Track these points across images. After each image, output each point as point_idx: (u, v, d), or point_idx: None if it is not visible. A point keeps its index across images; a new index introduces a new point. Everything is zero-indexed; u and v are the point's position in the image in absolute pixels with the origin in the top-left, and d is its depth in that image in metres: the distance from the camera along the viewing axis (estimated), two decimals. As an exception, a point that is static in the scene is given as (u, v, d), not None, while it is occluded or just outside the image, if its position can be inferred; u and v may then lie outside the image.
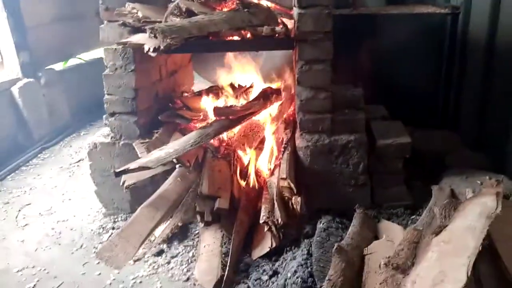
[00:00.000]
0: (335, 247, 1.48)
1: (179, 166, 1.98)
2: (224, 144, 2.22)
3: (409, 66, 3.15)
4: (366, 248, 1.57)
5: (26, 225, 2.26)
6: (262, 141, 2.29)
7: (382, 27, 3.24)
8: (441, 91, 3.11)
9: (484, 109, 2.50)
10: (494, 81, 2.38)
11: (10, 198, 2.56)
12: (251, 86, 2.61)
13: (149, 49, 1.56)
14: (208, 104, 2.36)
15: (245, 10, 2.01)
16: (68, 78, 3.91)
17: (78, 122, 3.80)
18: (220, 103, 2.37)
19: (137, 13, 1.79)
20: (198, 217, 1.86)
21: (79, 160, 3.06)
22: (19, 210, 2.41)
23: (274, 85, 2.59)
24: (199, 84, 3.41)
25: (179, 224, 1.93)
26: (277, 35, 1.97)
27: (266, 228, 1.80)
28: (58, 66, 4.02)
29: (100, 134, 2.25)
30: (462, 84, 2.85)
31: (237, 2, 1.99)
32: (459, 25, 2.87)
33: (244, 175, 2.12)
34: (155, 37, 1.39)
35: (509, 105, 2.10)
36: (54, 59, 3.87)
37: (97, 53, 4.64)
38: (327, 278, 1.35)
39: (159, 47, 1.52)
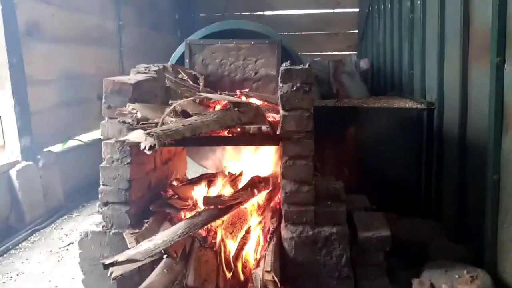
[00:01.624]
0: None
1: (166, 257, 2.03)
2: (212, 233, 2.29)
3: (391, 156, 3.34)
4: None
5: (9, 315, 2.24)
6: (248, 230, 2.37)
7: (365, 118, 3.49)
8: (422, 181, 3.26)
9: (462, 200, 2.63)
10: (467, 175, 2.54)
11: (-3, 284, 2.56)
12: (240, 174, 2.75)
13: (145, 147, 1.70)
14: (198, 193, 2.47)
15: (236, 109, 2.21)
16: (65, 159, 4.05)
17: (71, 204, 3.87)
18: (210, 192, 2.47)
19: (136, 113, 1.97)
20: (183, 311, 1.87)
21: (69, 244, 3.08)
22: (4, 298, 2.40)
23: (263, 173, 2.73)
24: (193, 167, 3.57)
25: (164, 317, 1.94)
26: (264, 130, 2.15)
27: (250, 323, 1.81)
28: (57, 148, 4.18)
29: (92, 222, 2.32)
30: (442, 175, 3.01)
31: (229, 102, 2.19)
32: (435, 120, 3.11)
33: (230, 266, 2.17)
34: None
35: (482, 199, 2.22)
36: (54, 141, 4.05)
37: (96, 134, 4.86)
38: None
39: (154, 145, 1.67)
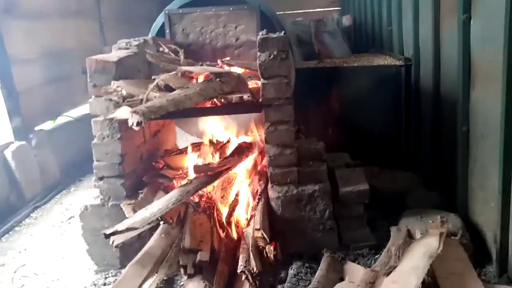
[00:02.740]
0: (302, 292, 1.69)
1: (163, 223, 2.19)
2: (204, 198, 2.44)
3: (373, 113, 3.48)
4: (330, 290, 1.78)
5: (22, 286, 2.41)
6: (238, 193, 2.53)
7: (346, 77, 3.59)
8: (402, 134, 3.41)
9: (437, 151, 2.79)
10: (441, 127, 2.68)
11: (5, 259, 2.71)
12: (227, 141, 2.87)
13: (132, 123, 1.80)
14: (188, 162, 2.60)
15: (218, 79, 2.29)
16: (57, 136, 4.13)
17: (68, 179, 3.99)
18: (199, 160, 2.60)
19: (121, 91, 2.05)
20: (182, 270, 2.05)
21: (70, 218, 3.23)
22: (15, 272, 2.56)
23: (248, 139, 2.86)
24: (183, 137, 3.67)
25: (165, 278, 2.12)
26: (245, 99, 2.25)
27: (243, 277, 2.00)
28: (47, 125, 4.24)
29: (90, 196, 2.45)
30: (420, 129, 3.16)
31: (211, 72, 2.27)
32: (412, 75, 3.21)
33: (223, 226, 2.33)
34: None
35: (454, 148, 2.38)
36: (43, 118, 4.10)
37: (84, 109, 4.91)
38: (293, 320, 1.55)
39: (141, 121, 1.77)
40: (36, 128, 3.85)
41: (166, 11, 3.19)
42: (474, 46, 2.08)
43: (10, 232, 3.09)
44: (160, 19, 3.31)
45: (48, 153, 3.85)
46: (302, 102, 3.65)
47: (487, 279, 2.01)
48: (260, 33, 2.20)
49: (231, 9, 3.16)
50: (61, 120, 4.53)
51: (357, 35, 5.47)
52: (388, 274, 1.69)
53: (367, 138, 3.51)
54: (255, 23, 3.19)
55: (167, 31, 3.21)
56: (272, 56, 2.11)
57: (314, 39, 4.54)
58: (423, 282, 1.67)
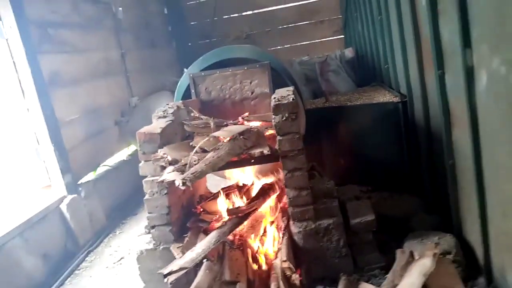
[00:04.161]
0: (324, 310, 2.12)
1: (206, 261, 2.65)
2: (237, 236, 2.91)
3: (378, 144, 3.90)
4: (347, 308, 2.20)
5: (92, 321, 2.90)
6: (265, 229, 2.99)
7: (350, 115, 4.06)
8: (406, 163, 3.82)
9: (434, 178, 3.20)
10: (435, 158, 3.10)
11: (73, 299, 3.22)
12: (252, 184, 3.35)
13: (179, 184, 2.30)
14: (221, 206, 3.08)
15: (241, 137, 2.79)
16: (99, 185, 4.67)
17: (112, 222, 4.51)
18: (230, 204, 3.08)
19: (167, 157, 2.56)
20: (226, 299, 2.50)
21: (121, 259, 3.72)
22: (83, 309, 3.05)
23: (269, 180, 3.33)
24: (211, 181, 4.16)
25: (212, 306, 2.57)
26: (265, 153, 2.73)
27: (276, 301, 2.44)
28: (90, 176, 4.80)
29: (138, 239, 2.94)
30: (419, 158, 3.57)
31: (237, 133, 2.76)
32: (408, 110, 3.65)
33: (255, 259, 2.79)
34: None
35: (445, 178, 2.79)
36: (87, 171, 4.67)
37: (118, 157, 5.50)
38: (318, 334, 1.98)
39: (189, 185, 2.27)
40: (83, 181, 4.41)
41: (191, 75, 3.73)
42: (449, 95, 2.53)
43: (72, 276, 3.59)
44: (184, 81, 3.84)
45: (95, 201, 4.39)
46: (314, 139, 4.15)
47: (480, 289, 2.40)
48: (273, 99, 2.69)
49: (246, 68, 3.67)
50: (101, 169, 5.09)
51: (360, 67, 5.94)
52: (392, 291, 2.11)
53: (375, 167, 3.94)
54: (267, 78, 3.69)
55: (193, 91, 3.73)
56: (284, 118, 2.60)
57: (320, 79, 5.03)
58: (422, 296, 2.09)
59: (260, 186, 3.20)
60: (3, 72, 3.79)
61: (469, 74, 2.08)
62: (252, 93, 3.78)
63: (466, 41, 2.04)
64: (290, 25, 8.71)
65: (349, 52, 6.07)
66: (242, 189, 3.26)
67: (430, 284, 2.11)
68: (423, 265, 2.18)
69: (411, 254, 2.58)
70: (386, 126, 3.88)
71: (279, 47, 8.84)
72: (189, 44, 8.63)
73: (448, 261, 2.35)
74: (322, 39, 8.63)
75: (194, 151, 2.48)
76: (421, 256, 2.32)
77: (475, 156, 2.21)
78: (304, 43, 8.89)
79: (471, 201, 2.43)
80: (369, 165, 3.97)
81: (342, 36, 8.24)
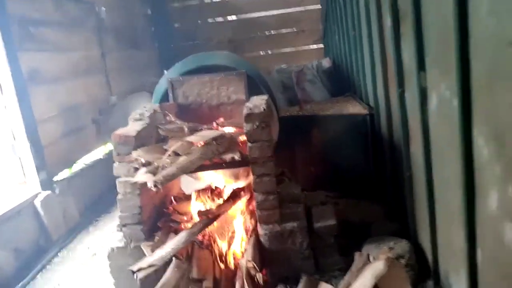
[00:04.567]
0: (283, 308, 2.27)
1: (175, 259, 2.77)
2: (206, 237, 3.04)
3: (347, 153, 4.10)
4: (305, 306, 2.36)
5: (61, 315, 2.97)
6: (234, 231, 3.13)
7: (322, 124, 4.24)
8: (372, 172, 4.03)
9: (396, 187, 3.41)
10: (396, 169, 3.31)
11: (43, 294, 3.28)
12: (224, 187, 3.48)
13: (151, 186, 2.42)
14: (192, 207, 3.21)
15: (214, 142, 2.93)
16: (74, 183, 4.72)
17: (86, 220, 4.57)
18: (202, 206, 3.21)
19: (141, 159, 2.67)
20: (192, 296, 2.63)
21: (93, 255, 3.80)
22: (53, 304, 3.12)
23: (241, 184, 3.47)
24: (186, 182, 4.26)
25: (179, 302, 2.69)
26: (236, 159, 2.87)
27: (240, 299, 2.58)
28: (65, 173, 4.84)
29: (111, 237, 3.04)
30: (384, 167, 3.78)
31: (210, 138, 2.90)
32: (375, 122, 3.86)
33: (223, 259, 2.93)
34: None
35: (402, 186, 3.00)
36: (62, 167, 4.71)
37: (94, 155, 5.54)
38: (275, 329, 2.13)
39: (160, 187, 2.39)
40: (58, 178, 4.46)
41: (169, 79, 3.85)
42: (408, 112, 2.73)
43: (43, 270, 3.65)
44: (162, 84, 3.96)
45: (69, 198, 4.45)
46: (288, 145, 4.32)
47: (427, 291, 2.60)
48: (245, 108, 2.84)
49: (223, 75, 3.82)
50: (76, 167, 5.13)
51: (336, 77, 6.16)
52: (345, 291, 2.28)
53: (344, 174, 4.13)
54: (243, 85, 3.84)
55: (170, 94, 3.85)
56: (255, 126, 2.75)
57: (296, 88, 5.21)
58: (373, 296, 2.27)
59: (232, 189, 3.34)
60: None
61: (423, 95, 2.28)
62: (228, 99, 3.92)
63: (421, 64, 2.24)
64: (273, 32, 8.91)
65: (326, 62, 6.28)
66: (213, 192, 3.40)
67: (381, 286, 2.29)
68: (376, 267, 2.36)
69: (368, 257, 2.76)
70: (354, 136, 4.07)
71: (261, 53, 9.03)
72: (172, 45, 8.70)
73: (399, 265, 2.53)
74: (304, 46, 8.86)
75: (167, 154, 2.60)
76: (376, 259, 2.50)
77: (426, 170, 2.41)
78: (285, 50, 9.11)
79: (423, 210, 2.63)
80: (338, 173, 4.16)
81: (322, 45, 8.48)
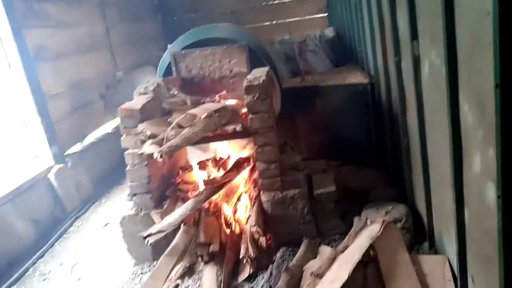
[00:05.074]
0: (284, 267, 2.44)
1: (183, 225, 2.94)
2: (212, 204, 3.19)
3: (349, 122, 4.17)
4: (305, 266, 2.52)
5: (79, 278, 3.19)
6: (239, 198, 3.28)
7: (324, 94, 4.31)
8: (373, 140, 4.12)
9: (395, 154, 3.51)
10: (394, 137, 3.40)
11: (62, 260, 3.49)
12: (228, 157, 3.61)
13: (157, 157, 2.55)
14: (198, 177, 3.35)
15: (216, 114, 3.03)
16: (86, 156, 4.89)
17: (99, 191, 4.76)
18: (206, 175, 3.35)
19: (146, 132, 2.80)
20: (200, 259, 2.81)
21: (106, 224, 4.00)
22: (72, 268, 3.33)
23: (245, 154, 3.60)
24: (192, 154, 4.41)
25: (187, 265, 2.88)
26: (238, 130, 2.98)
27: (244, 261, 2.75)
28: (77, 147, 5.01)
29: (123, 207, 3.21)
30: (384, 135, 3.86)
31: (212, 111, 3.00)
32: (376, 91, 3.92)
33: (229, 225, 3.09)
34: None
35: (400, 154, 3.09)
36: (73, 142, 4.87)
37: (104, 129, 5.69)
38: (276, 286, 2.30)
39: (165, 158, 2.52)
40: (70, 152, 4.63)
41: (172, 53, 3.91)
42: (404, 81, 2.79)
43: (60, 239, 3.86)
44: (166, 58, 4.03)
45: (81, 171, 4.62)
46: (290, 116, 4.41)
47: (422, 252, 2.73)
48: (246, 80, 2.92)
49: (224, 48, 3.87)
50: (87, 141, 5.29)
51: (339, 46, 6.15)
52: (343, 251, 2.43)
53: (345, 142, 4.22)
54: (245, 57, 3.89)
55: (173, 68, 3.93)
56: (255, 98, 2.84)
57: (298, 58, 5.24)
58: (369, 255, 2.42)
59: (236, 159, 3.46)
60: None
61: (416, 63, 2.34)
62: (230, 71, 3.99)
63: (414, 33, 2.28)
64: (275, 1, 8.80)
65: (330, 32, 6.25)
66: (219, 162, 3.53)
67: (377, 246, 2.43)
68: (372, 230, 2.50)
69: (366, 221, 2.90)
70: (355, 106, 4.14)
71: (265, 23, 8.95)
72: (175, 18, 8.67)
73: (395, 227, 2.67)
74: (308, 16, 8.75)
75: (171, 126, 2.72)
76: (373, 222, 2.63)
77: (420, 137, 2.50)
78: (288, 20, 8.99)
79: (419, 176, 2.74)
80: (340, 142, 4.25)
81: (326, 14, 8.37)
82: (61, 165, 4.32)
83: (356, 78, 4.27)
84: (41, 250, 3.61)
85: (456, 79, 1.75)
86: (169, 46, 4.16)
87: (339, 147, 4.30)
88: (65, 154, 4.53)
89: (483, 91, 1.49)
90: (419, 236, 2.87)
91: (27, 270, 3.38)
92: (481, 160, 1.65)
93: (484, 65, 1.41)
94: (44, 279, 3.24)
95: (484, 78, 1.43)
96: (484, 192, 1.65)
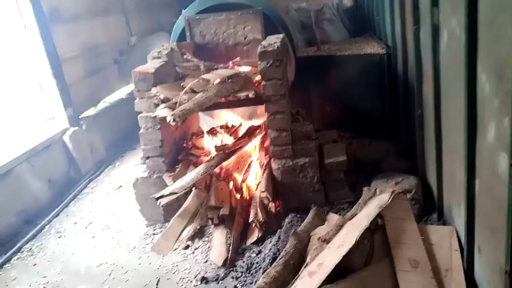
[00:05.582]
0: (292, 232, 2.48)
1: (195, 188, 2.99)
2: (224, 170, 3.23)
3: (363, 93, 4.13)
4: (312, 232, 2.57)
5: (93, 237, 3.30)
6: (249, 165, 3.31)
7: (339, 64, 4.24)
8: (387, 111, 4.07)
9: (407, 127, 3.48)
10: (409, 108, 3.36)
11: (76, 219, 3.60)
12: (240, 125, 3.63)
13: (170, 120, 2.57)
14: (210, 143, 3.38)
15: (229, 80, 3.02)
16: (100, 120, 4.96)
17: (112, 155, 4.84)
18: (218, 141, 3.38)
19: (160, 95, 2.81)
20: (210, 221, 2.88)
21: (119, 187, 4.09)
22: (86, 227, 3.45)
23: (257, 122, 3.61)
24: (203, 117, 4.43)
25: (198, 227, 2.95)
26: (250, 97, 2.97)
27: (253, 225, 2.81)
28: (91, 111, 5.07)
29: (136, 169, 3.27)
30: (398, 107, 3.82)
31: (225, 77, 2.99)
32: (392, 62, 3.84)
33: (239, 190, 3.14)
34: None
35: (413, 125, 3.07)
36: (87, 106, 4.93)
37: (118, 94, 5.73)
38: (284, 250, 2.36)
39: (178, 121, 2.54)
40: (84, 115, 4.69)
41: (186, 17, 3.87)
42: (423, 51, 2.73)
43: (75, 200, 3.97)
44: (180, 23, 3.99)
45: (96, 135, 4.70)
46: (304, 85, 4.37)
47: (430, 223, 2.75)
48: (260, 46, 2.89)
49: (239, 13, 3.81)
50: (101, 106, 5.35)
51: (357, 16, 6.00)
52: (351, 219, 2.46)
53: (359, 114, 4.20)
54: (259, 24, 3.84)
55: (188, 33, 3.90)
56: (269, 64, 2.82)
57: (314, 27, 5.14)
58: (377, 224, 2.45)
59: (247, 127, 3.48)
60: (5, 8, 3.93)
61: (435, 32, 2.28)
62: (245, 38, 3.95)
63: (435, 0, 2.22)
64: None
65: (347, 1, 6.09)
66: (231, 129, 3.55)
67: (385, 215, 2.45)
68: (381, 199, 2.51)
69: (375, 191, 2.92)
70: (371, 77, 4.07)
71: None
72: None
73: (404, 198, 2.68)
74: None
75: (184, 91, 2.72)
76: (382, 192, 2.64)
77: (435, 108, 2.46)
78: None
79: (431, 148, 2.72)
80: (354, 113, 4.22)
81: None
82: (76, 128, 4.38)
83: (373, 48, 4.19)
84: (56, 209, 3.72)
85: (475, 47, 1.71)
86: (183, 11, 4.11)
87: (352, 119, 4.28)
88: (80, 117, 4.59)
89: (502, 59, 1.46)
90: (428, 207, 2.89)
91: (43, 227, 3.50)
92: (495, 130, 1.63)
93: (505, 31, 1.37)
94: (60, 237, 3.36)
95: (505, 45, 1.40)
96: (497, 162, 1.64)
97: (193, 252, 2.89)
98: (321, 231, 2.56)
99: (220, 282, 2.59)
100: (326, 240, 2.34)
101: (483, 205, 1.93)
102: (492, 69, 1.59)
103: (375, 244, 2.35)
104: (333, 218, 2.76)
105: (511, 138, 1.40)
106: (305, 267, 2.17)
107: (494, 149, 1.66)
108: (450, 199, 2.55)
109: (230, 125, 3.61)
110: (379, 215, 2.46)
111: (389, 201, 2.48)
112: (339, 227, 2.47)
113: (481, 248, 1.99)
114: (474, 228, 2.05)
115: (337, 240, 2.28)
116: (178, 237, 2.74)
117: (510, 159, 1.42)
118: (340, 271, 2.11)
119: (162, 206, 2.87)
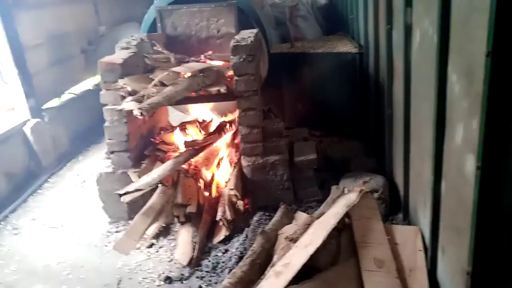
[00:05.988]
0: (260, 231, 2.44)
1: (161, 185, 2.90)
2: (192, 166, 3.15)
3: (334, 92, 4.13)
4: (280, 231, 2.53)
5: (52, 234, 3.13)
6: (219, 162, 3.24)
7: (312, 62, 4.22)
8: (357, 111, 4.09)
9: (377, 126, 3.50)
10: (378, 108, 3.38)
11: (35, 215, 3.42)
12: (211, 121, 3.55)
13: (137, 114, 2.47)
14: (179, 138, 3.29)
15: (201, 74, 2.94)
16: (64, 112, 4.74)
17: (75, 149, 4.65)
18: (187, 137, 3.29)
19: (127, 87, 2.70)
20: (176, 219, 2.79)
21: (82, 182, 3.93)
22: (45, 224, 3.28)
23: (228, 118, 3.54)
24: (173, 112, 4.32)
25: (163, 225, 2.86)
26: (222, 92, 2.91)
27: (221, 223, 2.74)
28: (55, 102, 4.85)
29: (100, 164, 3.14)
30: (369, 106, 3.84)
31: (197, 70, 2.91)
32: (364, 62, 3.86)
33: (207, 187, 3.06)
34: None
35: (382, 125, 3.08)
36: (51, 97, 4.71)
37: (84, 85, 5.51)
38: (251, 249, 2.31)
39: (145, 115, 2.44)
40: (48, 106, 4.48)
41: (157, 8, 3.75)
42: (395, 51, 2.74)
43: (34, 194, 3.78)
44: (151, 14, 3.86)
45: (59, 127, 4.49)
46: (276, 82, 4.33)
47: (396, 223, 2.77)
48: (233, 40, 2.82)
49: (213, 6, 3.72)
50: (66, 97, 5.12)
51: (331, 14, 6.01)
52: (319, 218, 2.43)
53: (330, 112, 4.19)
54: (234, 17, 3.77)
55: (159, 24, 3.78)
56: (242, 59, 2.75)
57: (288, 23, 5.11)
58: (344, 223, 2.44)
59: (218, 123, 3.40)
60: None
61: (408, 32, 2.28)
62: (218, 31, 3.86)
63: (408, 0, 2.22)
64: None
65: (322, -1, 6.10)
66: (201, 124, 3.47)
67: (352, 214, 2.44)
68: (349, 198, 2.50)
69: (343, 190, 2.91)
70: (343, 75, 4.08)
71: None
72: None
73: (371, 197, 2.68)
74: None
75: (153, 83, 2.62)
76: (350, 191, 2.64)
77: (404, 108, 2.47)
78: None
79: (399, 148, 2.74)
80: (325, 111, 4.22)
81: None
82: (38, 119, 4.18)
83: (346, 47, 4.19)
84: (13, 204, 3.53)
85: (447, 48, 1.71)
86: (155, 1, 3.98)
87: (324, 117, 4.27)
88: (43, 108, 4.38)
89: (473, 60, 1.45)
90: (394, 207, 2.91)
91: (-1, 223, 3.32)
92: (464, 131, 1.63)
93: (477, 32, 1.37)
94: (16, 233, 3.18)
95: (476, 46, 1.39)
96: (463, 164, 1.64)
97: (157, 251, 2.80)
98: (288, 230, 2.52)
99: (185, 281, 2.52)
100: (294, 240, 2.30)
101: (448, 206, 1.94)
102: (463, 70, 1.58)
103: (342, 243, 2.34)
104: (301, 216, 2.73)
105: (479, 140, 1.39)
106: (271, 266, 2.13)
107: (461, 150, 1.66)
108: (416, 199, 2.57)
109: (201, 120, 3.52)
110: (347, 214, 2.45)
111: (357, 200, 2.47)
112: (307, 226, 2.44)
113: (445, 248, 2.00)
114: (438, 229, 2.06)
115: (305, 239, 2.25)
116: (142, 236, 2.65)
117: (477, 161, 1.42)
118: (307, 270, 2.08)
119: (127, 203, 2.77)
